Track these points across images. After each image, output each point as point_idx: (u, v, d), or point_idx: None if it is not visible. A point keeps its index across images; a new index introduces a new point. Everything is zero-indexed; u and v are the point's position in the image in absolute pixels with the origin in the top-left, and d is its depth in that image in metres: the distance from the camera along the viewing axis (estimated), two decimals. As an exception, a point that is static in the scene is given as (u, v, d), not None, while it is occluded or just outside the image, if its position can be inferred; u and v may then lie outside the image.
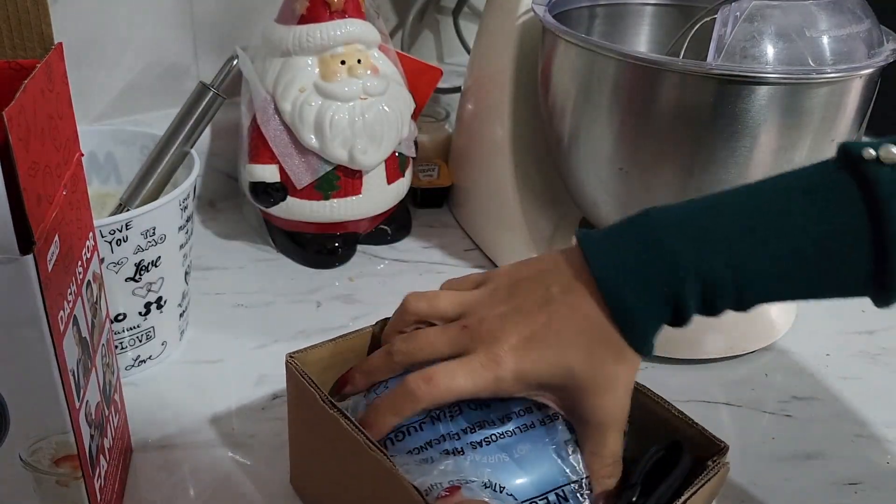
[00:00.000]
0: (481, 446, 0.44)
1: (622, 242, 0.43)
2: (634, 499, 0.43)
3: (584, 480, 0.44)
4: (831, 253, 0.41)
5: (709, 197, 0.44)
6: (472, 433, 0.44)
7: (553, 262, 0.46)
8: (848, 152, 0.41)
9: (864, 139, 0.42)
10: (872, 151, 0.40)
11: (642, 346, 0.43)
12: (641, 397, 0.48)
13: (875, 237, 0.40)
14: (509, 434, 0.45)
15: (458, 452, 0.43)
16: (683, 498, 0.41)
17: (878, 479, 0.56)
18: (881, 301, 0.42)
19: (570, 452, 0.44)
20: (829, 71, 0.56)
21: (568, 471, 0.44)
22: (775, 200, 0.43)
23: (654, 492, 0.42)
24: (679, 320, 0.43)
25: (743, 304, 0.43)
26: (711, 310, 0.43)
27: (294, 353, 0.48)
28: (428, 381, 0.43)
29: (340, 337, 0.51)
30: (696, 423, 0.46)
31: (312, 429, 0.48)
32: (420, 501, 0.39)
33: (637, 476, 0.44)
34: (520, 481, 0.43)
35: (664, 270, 0.42)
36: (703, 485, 0.42)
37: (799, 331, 0.70)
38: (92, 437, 0.43)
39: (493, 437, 0.44)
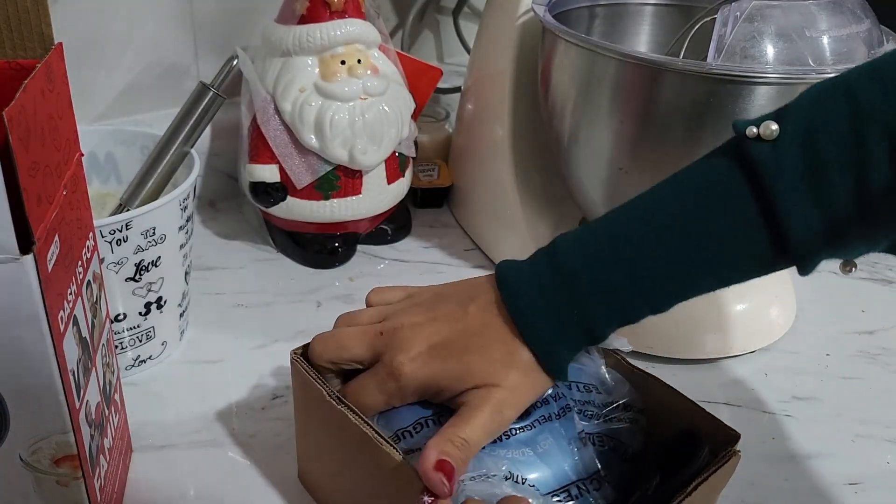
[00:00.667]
0: (501, 441, 0.44)
1: (533, 269, 0.45)
2: (653, 487, 0.42)
3: (598, 473, 0.44)
4: (732, 244, 0.42)
5: (611, 212, 0.45)
6: None
7: (476, 284, 0.47)
8: (736, 130, 0.42)
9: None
10: (755, 129, 0.41)
11: (559, 373, 0.44)
12: (654, 387, 0.48)
13: (767, 220, 0.41)
14: (528, 428, 0.45)
15: None
16: (695, 483, 0.41)
17: (878, 479, 0.56)
18: (802, 273, 0.43)
19: (583, 445, 0.45)
20: (829, 71, 0.56)
21: (584, 464, 0.44)
22: (670, 203, 0.43)
23: (673, 480, 0.42)
24: (595, 339, 0.44)
25: (658, 309, 0.44)
26: (628, 320, 0.44)
27: (298, 349, 0.49)
28: (352, 401, 0.45)
29: None
30: (708, 413, 0.46)
31: (320, 424, 0.48)
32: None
33: (653, 463, 0.44)
34: (541, 474, 0.43)
35: (568, 293, 0.43)
36: (715, 471, 0.42)
37: (799, 331, 0.70)
38: (92, 437, 0.43)
39: (513, 430, 0.45)
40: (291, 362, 0.48)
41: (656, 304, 0.43)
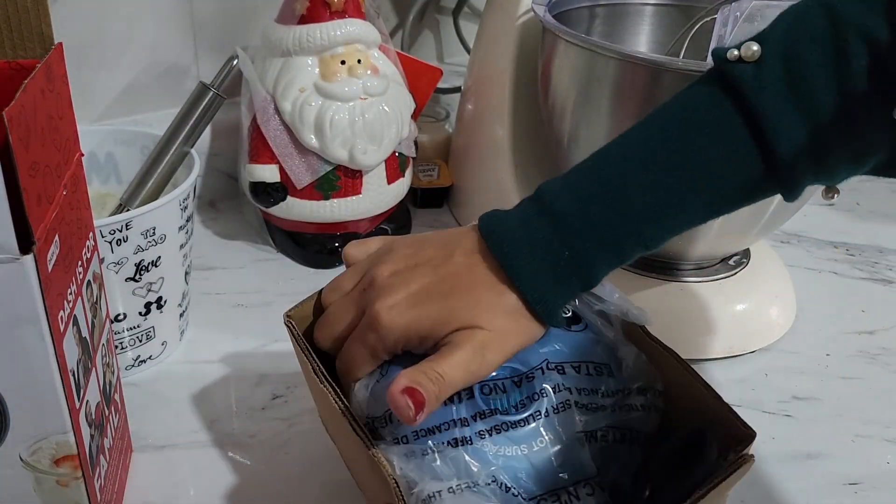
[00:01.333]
0: (491, 435, 0.42)
1: (520, 215, 0.43)
2: (647, 494, 0.41)
3: (594, 478, 0.42)
4: (720, 169, 0.41)
5: (595, 154, 0.44)
6: (482, 420, 0.42)
7: (460, 232, 0.46)
8: (716, 57, 0.42)
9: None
10: (735, 51, 0.40)
11: (551, 319, 0.43)
12: (671, 365, 0.46)
13: (753, 139, 0.40)
14: (523, 423, 0.42)
15: (466, 442, 0.42)
16: (704, 489, 0.38)
17: (878, 479, 0.56)
18: (788, 198, 0.42)
19: (580, 446, 0.43)
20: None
21: (579, 467, 0.42)
22: (655, 136, 0.43)
23: (681, 483, 0.40)
24: (589, 283, 0.43)
25: (650, 245, 0.43)
26: (621, 260, 0.43)
27: (291, 310, 0.48)
28: (340, 360, 0.45)
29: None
30: (724, 403, 0.43)
31: (315, 393, 0.48)
32: (399, 498, 0.38)
33: (651, 471, 0.42)
34: (529, 477, 0.41)
35: (559, 236, 0.42)
36: (725, 478, 0.39)
37: (799, 331, 0.70)
38: (92, 437, 0.43)
39: (505, 425, 0.42)
40: (286, 326, 0.48)
41: (649, 239, 0.43)
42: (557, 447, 0.42)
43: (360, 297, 0.45)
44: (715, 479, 0.39)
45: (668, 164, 0.42)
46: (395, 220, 0.81)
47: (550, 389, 0.43)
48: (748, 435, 0.41)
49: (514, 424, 0.42)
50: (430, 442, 0.42)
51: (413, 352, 0.44)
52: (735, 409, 0.43)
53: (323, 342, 0.47)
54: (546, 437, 0.42)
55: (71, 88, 0.42)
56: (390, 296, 0.43)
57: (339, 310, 0.47)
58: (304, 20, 0.70)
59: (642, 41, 0.77)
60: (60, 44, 0.41)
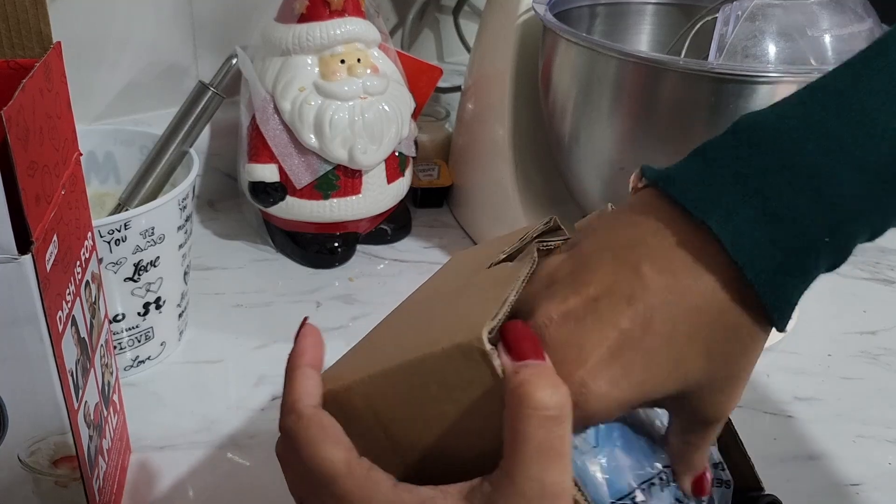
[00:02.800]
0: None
1: (746, 178, 0.31)
2: None
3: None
4: None
5: (813, 87, 0.33)
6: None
7: (629, 221, 0.33)
8: None
9: None
10: None
11: (784, 323, 0.32)
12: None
13: None
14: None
15: None
16: None
17: (879, 479, 0.56)
18: None
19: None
20: (830, 70, 0.55)
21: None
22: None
23: None
24: (835, 266, 0.33)
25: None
26: (876, 235, 0.33)
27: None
28: None
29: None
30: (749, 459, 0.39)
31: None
32: None
33: None
34: None
35: (816, 203, 0.30)
36: None
37: (800, 331, 0.70)
38: (91, 437, 0.43)
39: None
40: (483, 354, 0.30)
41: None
42: None
43: None
44: None
45: None
46: (395, 220, 0.81)
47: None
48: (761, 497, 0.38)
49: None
50: None
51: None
52: (737, 409, 0.42)
53: None
54: None
55: (69, 88, 0.42)
56: (586, 355, 0.30)
57: None
58: (303, 19, 0.69)
59: (643, 40, 0.76)
60: (59, 43, 0.41)
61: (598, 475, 0.33)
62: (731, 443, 0.40)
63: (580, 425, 0.31)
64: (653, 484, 0.35)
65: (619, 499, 0.33)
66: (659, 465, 0.36)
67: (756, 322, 0.31)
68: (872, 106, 0.31)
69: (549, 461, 0.28)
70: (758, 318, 0.31)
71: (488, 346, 0.29)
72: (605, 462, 0.34)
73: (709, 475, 0.36)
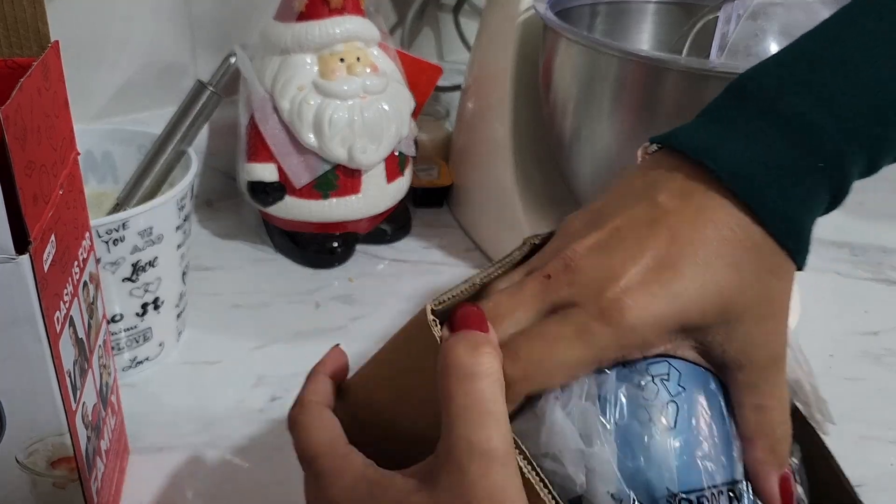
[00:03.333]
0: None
1: (735, 123, 0.34)
2: None
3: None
4: None
5: (807, 39, 0.36)
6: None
7: (642, 174, 0.35)
8: None
9: None
10: None
11: (801, 252, 0.33)
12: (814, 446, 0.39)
13: None
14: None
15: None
16: None
17: (882, 480, 0.55)
18: None
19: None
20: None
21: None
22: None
23: None
24: (836, 203, 0.34)
25: None
26: (872, 170, 0.35)
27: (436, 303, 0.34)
28: (514, 360, 0.31)
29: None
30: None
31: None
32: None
33: None
34: None
35: (808, 140, 0.33)
36: None
37: (802, 331, 0.69)
38: (88, 438, 0.43)
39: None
40: (428, 325, 0.33)
41: None
42: None
43: (545, 287, 0.32)
44: None
45: None
46: (395, 220, 0.80)
47: None
48: None
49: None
50: None
51: (627, 357, 0.32)
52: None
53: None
54: None
55: (67, 87, 0.42)
56: (619, 273, 0.31)
57: (506, 302, 0.33)
58: (302, 17, 0.69)
59: (644, 39, 0.76)
60: (57, 42, 0.40)
61: (671, 459, 0.32)
62: (816, 455, 0.38)
63: (623, 349, 0.32)
64: (722, 493, 0.33)
65: (687, 491, 0.32)
66: (738, 476, 0.34)
67: (775, 251, 0.33)
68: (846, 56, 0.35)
69: (473, 418, 0.29)
70: (774, 246, 0.33)
71: (430, 317, 0.32)
72: (680, 447, 0.33)
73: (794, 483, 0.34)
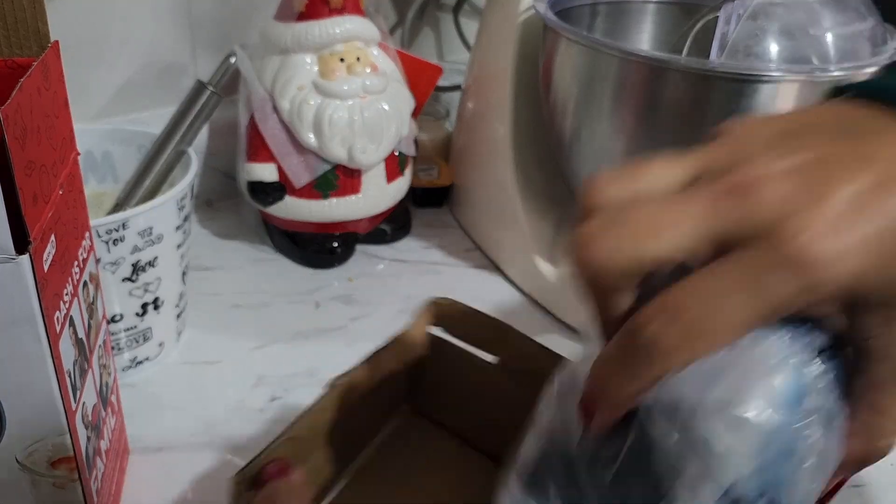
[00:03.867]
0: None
1: None
2: None
3: None
4: None
5: None
6: None
7: (835, 111, 0.29)
8: None
9: None
10: None
11: None
12: None
13: None
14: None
15: None
16: None
17: (883, 480, 0.55)
18: None
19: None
20: (833, 69, 0.55)
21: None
22: None
23: None
24: None
25: None
26: None
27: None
28: (675, 320, 0.25)
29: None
30: None
31: None
32: None
33: None
34: None
35: None
36: None
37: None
38: (88, 439, 0.43)
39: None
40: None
41: None
42: None
43: (720, 206, 0.26)
44: None
45: None
46: (395, 220, 0.80)
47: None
48: None
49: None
50: None
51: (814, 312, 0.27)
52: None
53: (612, 261, 0.27)
54: None
55: (67, 87, 0.42)
56: (819, 206, 0.25)
57: (667, 212, 0.27)
58: (302, 17, 0.69)
59: (644, 39, 0.76)
60: (57, 42, 0.40)
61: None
62: None
63: (802, 295, 0.25)
64: None
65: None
66: None
67: None
68: None
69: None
70: None
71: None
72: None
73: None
